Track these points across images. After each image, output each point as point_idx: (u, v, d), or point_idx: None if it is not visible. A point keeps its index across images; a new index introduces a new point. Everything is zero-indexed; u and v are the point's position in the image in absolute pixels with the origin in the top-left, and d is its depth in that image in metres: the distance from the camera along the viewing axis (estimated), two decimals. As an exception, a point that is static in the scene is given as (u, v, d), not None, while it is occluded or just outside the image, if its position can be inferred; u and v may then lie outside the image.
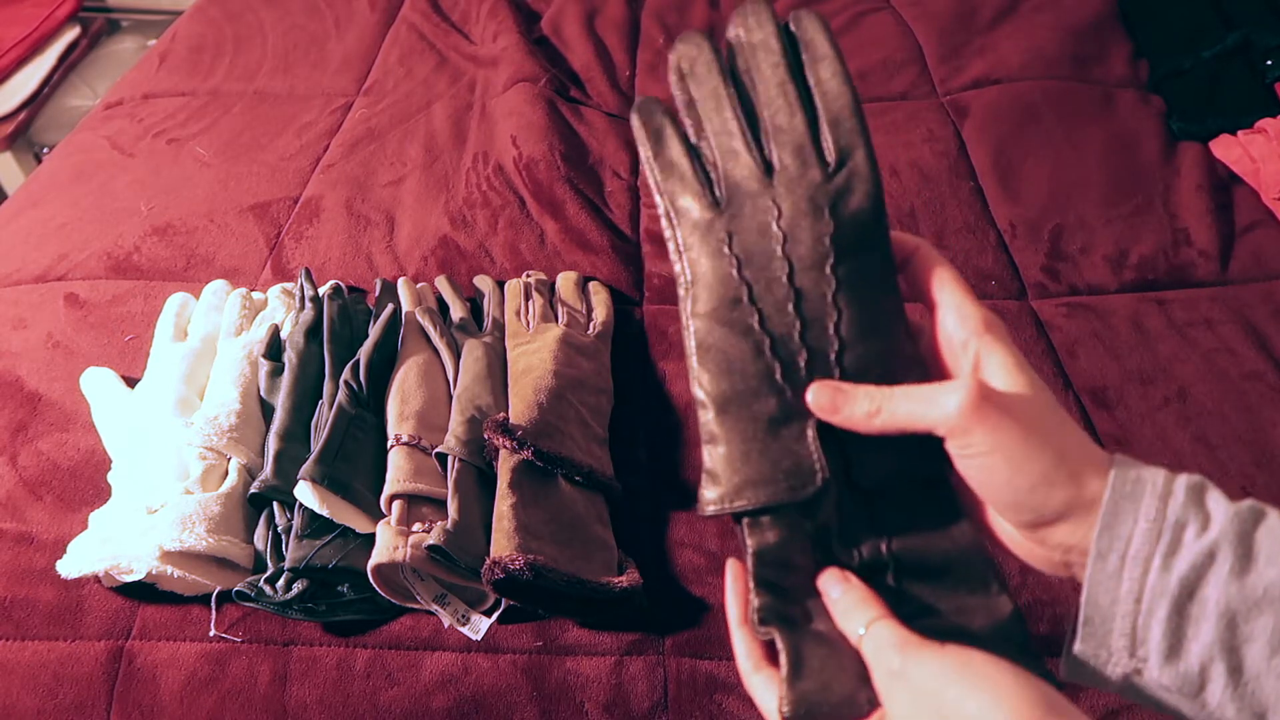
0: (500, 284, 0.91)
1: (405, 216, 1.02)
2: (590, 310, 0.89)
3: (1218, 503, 0.32)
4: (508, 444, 0.68)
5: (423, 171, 1.09)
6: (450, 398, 0.77)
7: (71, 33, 1.78)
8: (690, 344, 0.36)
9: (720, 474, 0.36)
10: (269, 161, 1.11)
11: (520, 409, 0.72)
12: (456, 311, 0.86)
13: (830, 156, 0.36)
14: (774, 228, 0.36)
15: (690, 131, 0.37)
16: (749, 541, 0.36)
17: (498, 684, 0.64)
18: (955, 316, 0.36)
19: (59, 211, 1.05)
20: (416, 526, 0.66)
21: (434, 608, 0.65)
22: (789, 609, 0.35)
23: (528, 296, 0.87)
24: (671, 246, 0.37)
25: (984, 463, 0.33)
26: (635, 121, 0.37)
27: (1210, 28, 1.17)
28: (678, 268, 0.37)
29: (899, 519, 0.37)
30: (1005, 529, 0.36)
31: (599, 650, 0.65)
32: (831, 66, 0.36)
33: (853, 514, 0.36)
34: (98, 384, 0.80)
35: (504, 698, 0.63)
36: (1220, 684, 0.31)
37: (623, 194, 1.05)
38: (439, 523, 0.65)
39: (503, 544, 0.62)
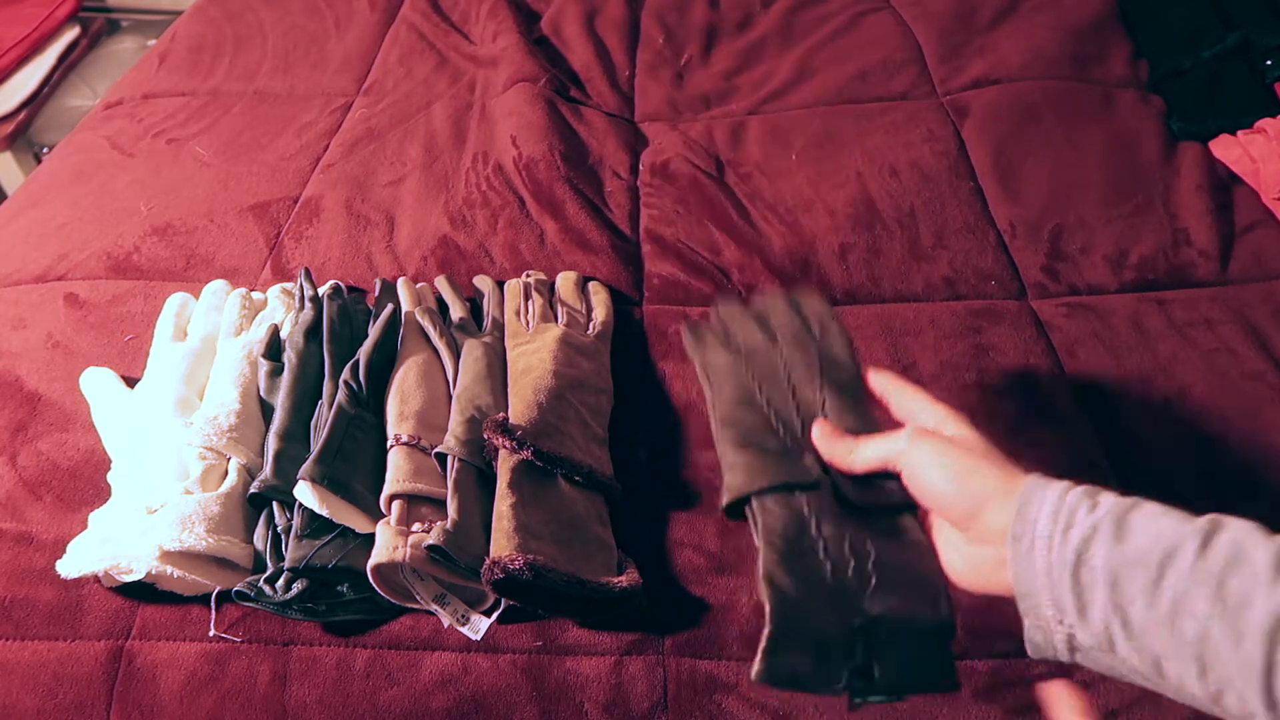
0: (500, 284, 0.91)
1: (405, 216, 1.02)
2: (590, 310, 0.89)
3: (1106, 495, 0.40)
4: (507, 444, 0.68)
5: (423, 171, 1.09)
6: (450, 398, 0.77)
7: (71, 33, 1.78)
8: (716, 420, 0.56)
9: (737, 478, 0.51)
10: (269, 161, 1.11)
11: (520, 409, 0.72)
12: (456, 311, 0.86)
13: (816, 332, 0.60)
14: (779, 361, 0.58)
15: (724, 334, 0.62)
16: (761, 521, 0.48)
17: (497, 684, 0.64)
18: (926, 415, 0.49)
19: (59, 211, 1.05)
20: (416, 526, 0.66)
21: (434, 608, 0.65)
22: (793, 569, 0.45)
23: (527, 296, 0.87)
24: (709, 394, 0.58)
25: (928, 470, 0.45)
26: (686, 339, 0.63)
27: (1210, 28, 1.17)
28: (709, 395, 0.58)
29: (881, 530, 0.48)
30: (953, 550, 0.46)
31: (599, 650, 0.65)
32: (835, 328, 0.61)
33: (846, 520, 0.48)
34: (97, 384, 0.80)
35: (504, 698, 0.63)
36: (1121, 639, 0.37)
37: (623, 194, 1.05)
38: (439, 523, 0.65)
39: (502, 544, 0.62)
